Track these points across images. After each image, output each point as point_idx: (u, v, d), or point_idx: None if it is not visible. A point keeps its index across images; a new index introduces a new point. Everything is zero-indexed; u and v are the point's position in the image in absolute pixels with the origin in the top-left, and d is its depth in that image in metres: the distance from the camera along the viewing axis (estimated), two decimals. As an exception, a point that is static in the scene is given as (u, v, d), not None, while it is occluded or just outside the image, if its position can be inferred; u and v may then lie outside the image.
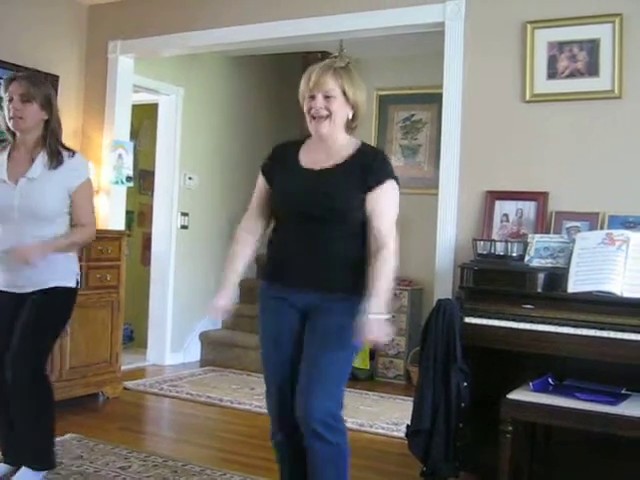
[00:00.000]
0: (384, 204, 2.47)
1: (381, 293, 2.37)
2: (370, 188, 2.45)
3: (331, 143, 2.52)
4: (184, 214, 6.26)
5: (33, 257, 2.95)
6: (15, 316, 3.09)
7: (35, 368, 3.07)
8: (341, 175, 2.47)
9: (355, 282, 2.44)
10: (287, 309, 2.52)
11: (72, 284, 3.18)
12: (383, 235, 2.43)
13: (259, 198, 2.66)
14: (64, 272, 3.15)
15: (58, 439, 3.72)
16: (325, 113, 2.46)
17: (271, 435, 2.63)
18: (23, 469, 3.10)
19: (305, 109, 2.51)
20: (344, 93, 2.47)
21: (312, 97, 2.48)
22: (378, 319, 2.31)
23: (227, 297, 2.63)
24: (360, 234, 2.48)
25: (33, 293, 3.08)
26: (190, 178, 6.28)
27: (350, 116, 2.52)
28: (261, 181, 2.65)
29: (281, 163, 2.59)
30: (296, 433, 2.46)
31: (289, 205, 2.53)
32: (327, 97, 2.46)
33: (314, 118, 2.48)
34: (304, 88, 2.50)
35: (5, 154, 3.18)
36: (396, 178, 2.52)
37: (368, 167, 2.47)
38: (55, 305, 3.13)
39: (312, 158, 2.53)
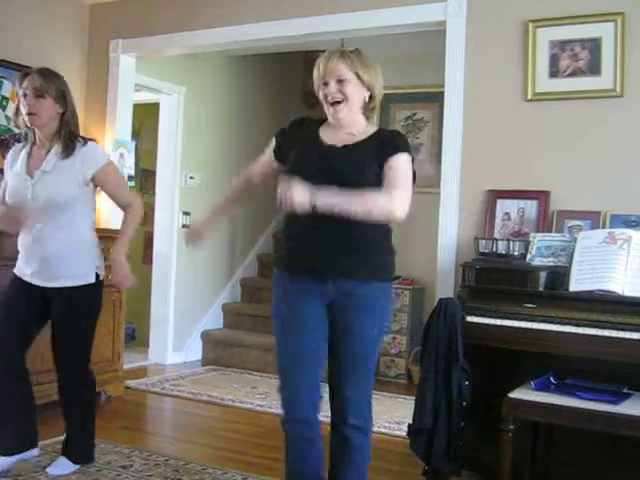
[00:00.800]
0: (398, 173, 2.43)
1: None
2: (386, 158, 2.43)
3: (350, 128, 2.51)
4: (185, 213, 6.26)
5: (128, 278, 3.28)
6: (31, 309, 3.23)
7: (80, 367, 3.34)
8: (360, 151, 2.45)
9: (379, 266, 2.49)
10: (311, 298, 2.49)
11: (92, 279, 3.25)
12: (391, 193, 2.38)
13: (260, 165, 2.74)
14: (85, 269, 3.24)
15: (59, 438, 3.73)
16: (340, 97, 2.45)
17: (284, 422, 2.57)
18: (62, 459, 3.35)
19: (321, 97, 2.50)
20: (358, 76, 2.46)
21: (325, 84, 2.47)
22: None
23: (205, 225, 2.79)
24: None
25: (57, 290, 3.18)
26: (191, 177, 6.28)
27: (367, 98, 2.51)
28: (269, 151, 2.67)
29: (302, 134, 2.57)
30: (309, 421, 2.52)
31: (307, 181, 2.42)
32: (340, 81, 2.44)
33: (331, 105, 2.47)
34: (317, 76, 2.49)
35: (25, 150, 3.27)
36: (411, 152, 2.50)
37: (386, 141, 2.48)
38: (83, 302, 3.25)
39: (334, 137, 2.51)
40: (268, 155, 2.68)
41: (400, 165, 2.45)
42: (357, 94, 2.47)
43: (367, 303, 2.47)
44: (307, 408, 2.52)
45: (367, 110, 2.55)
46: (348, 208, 2.30)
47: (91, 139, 3.37)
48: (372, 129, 2.55)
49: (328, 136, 2.53)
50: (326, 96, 2.47)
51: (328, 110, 2.50)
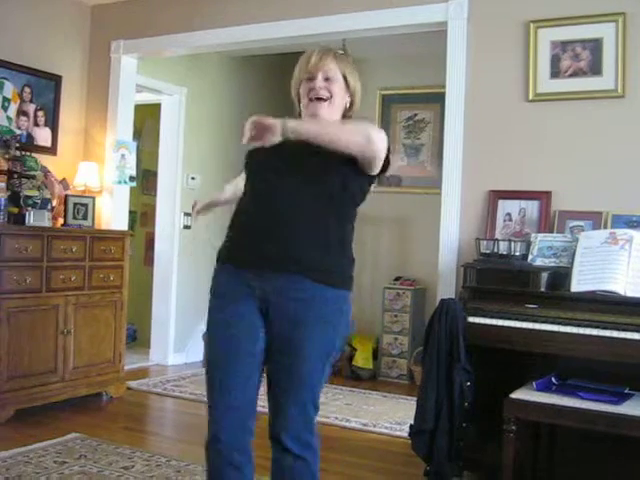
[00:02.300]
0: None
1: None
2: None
3: None
4: (187, 214, 6.26)
5: None
6: None
7: None
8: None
9: (333, 267, 2.17)
10: (244, 295, 2.18)
11: None
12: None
13: (241, 179, 2.43)
14: None
15: (60, 439, 3.75)
16: (326, 94, 2.28)
17: (210, 440, 2.25)
18: None
19: (302, 91, 2.32)
20: (345, 79, 2.32)
21: (311, 79, 2.30)
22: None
23: (214, 199, 2.66)
24: (345, 210, 2.23)
25: None
26: (193, 178, 6.28)
27: (347, 104, 2.36)
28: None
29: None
30: (238, 440, 2.22)
31: (258, 165, 2.26)
32: (327, 79, 2.29)
33: (314, 100, 2.29)
34: (302, 70, 2.33)
35: None
36: (388, 144, 2.22)
37: None
38: None
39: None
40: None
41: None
42: (341, 97, 2.32)
43: (318, 315, 2.13)
44: (240, 422, 2.22)
45: (345, 117, 2.37)
46: (324, 134, 2.09)
47: None
48: None
49: None
50: (310, 90, 2.29)
51: (307, 106, 2.30)
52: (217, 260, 2.31)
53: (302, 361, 2.13)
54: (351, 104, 2.37)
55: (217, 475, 2.23)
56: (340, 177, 2.17)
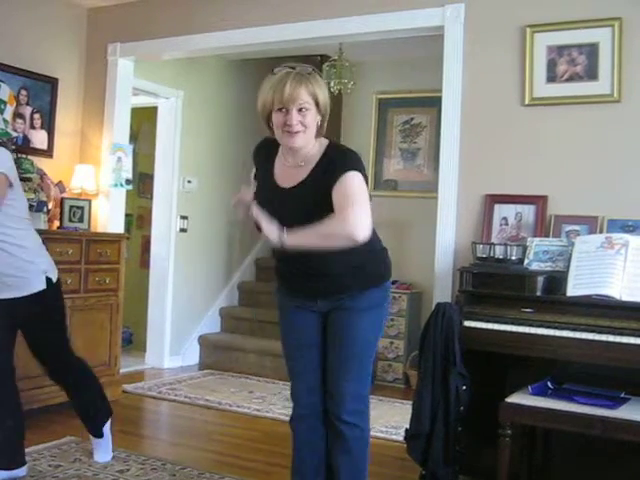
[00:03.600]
0: (345, 195, 2.33)
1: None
2: (331, 185, 2.36)
3: (302, 153, 2.47)
4: (183, 217, 6.26)
5: None
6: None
7: (62, 353, 3.45)
8: (308, 192, 2.43)
9: (370, 276, 2.58)
10: (307, 313, 2.64)
11: (42, 286, 3.23)
12: (346, 216, 2.29)
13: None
14: (34, 279, 3.23)
15: (55, 442, 3.74)
16: (302, 128, 2.39)
17: (292, 418, 2.75)
18: (96, 441, 3.57)
19: (275, 122, 2.41)
20: (316, 102, 2.41)
21: (284, 110, 2.37)
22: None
23: (249, 194, 2.58)
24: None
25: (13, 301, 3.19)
26: (189, 181, 6.28)
27: (319, 122, 2.46)
28: (252, 175, 2.70)
29: (261, 169, 2.62)
30: (313, 407, 2.68)
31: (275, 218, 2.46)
32: (300, 110, 2.37)
33: (288, 132, 2.40)
34: (273, 99, 2.38)
35: None
36: (360, 170, 2.41)
37: (330, 168, 2.41)
38: (42, 306, 3.27)
39: (285, 173, 2.51)
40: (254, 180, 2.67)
41: (347, 186, 2.34)
42: (314, 122, 2.42)
43: (360, 306, 2.56)
44: (310, 397, 2.67)
45: (318, 133, 2.48)
46: (312, 245, 2.34)
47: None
48: (319, 151, 2.48)
49: (280, 171, 2.54)
50: (284, 124, 2.38)
51: (282, 137, 2.43)
52: (278, 291, 2.76)
53: (355, 339, 2.56)
54: (322, 121, 2.48)
55: (301, 438, 2.72)
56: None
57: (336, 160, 2.43)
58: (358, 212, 2.28)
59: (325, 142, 2.52)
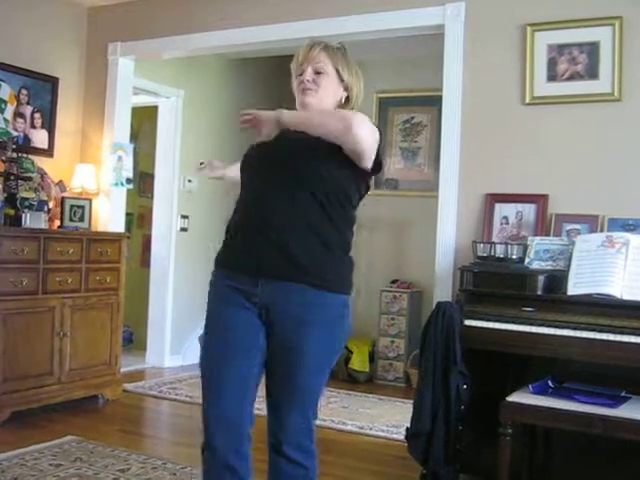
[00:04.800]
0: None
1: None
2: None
3: None
4: (184, 217, 6.26)
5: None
6: None
7: None
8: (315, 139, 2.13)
9: (333, 274, 2.14)
10: (242, 303, 2.14)
11: None
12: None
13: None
14: None
15: (56, 441, 3.74)
16: (314, 87, 2.23)
17: (205, 445, 2.19)
18: None
19: (295, 87, 2.28)
20: (337, 72, 2.25)
21: (301, 73, 2.25)
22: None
23: (225, 168, 2.50)
24: (341, 213, 2.17)
25: None
26: (190, 181, 6.28)
27: (343, 99, 2.29)
28: None
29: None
30: (239, 448, 2.18)
31: (250, 166, 2.25)
32: (318, 73, 2.23)
33: (302, 90, 2.24)
34: (295, 65, 2.28)
35: None
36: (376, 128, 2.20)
37: None
38: None
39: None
40: None
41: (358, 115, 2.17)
42: (332, 89, 2.25)
43: (320, 320, 2.12)
44: (238, 429, 2.18)
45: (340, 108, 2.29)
46: (310, 122, 2.11)
47: None
48: None
49: None
50: (299, 84, 2.25)
51: (298, 99, 2.26)
52: (215, 264, 2.28)
53: (303, 367, 2.11)
54: (347, 99, 2.30)
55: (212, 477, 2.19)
56: (333, 178, 2.13)
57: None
58: (361, 116, 2.10)
59: None
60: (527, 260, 3.37)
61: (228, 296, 2.17)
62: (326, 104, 2.25)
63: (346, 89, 2.28)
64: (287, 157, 2.15)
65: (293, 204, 2.10)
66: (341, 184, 2.15)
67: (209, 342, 2.21)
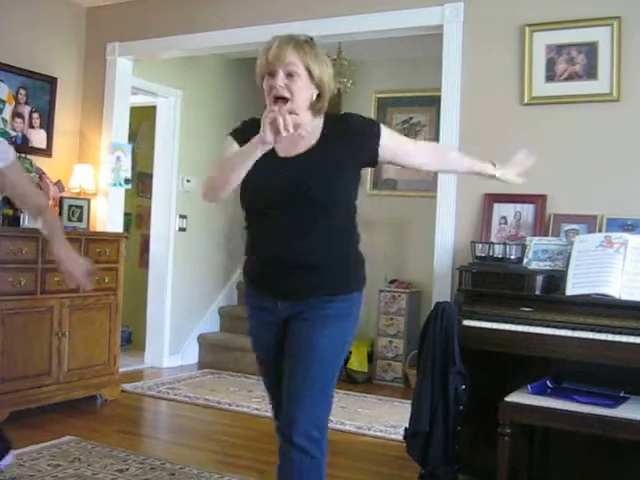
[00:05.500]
0: (398, 139, 2.42)
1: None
2: (375, 145, 2.27)
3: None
4: (182, 217, 6.25)
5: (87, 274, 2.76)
6: None
7: None
8: (319, 158, 2.20)
9: (349, 280, 2.32)
10: (270, 320, 2.33)
11: None
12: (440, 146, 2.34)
13: None
14: None
15: (54, 442, 3.73)
16: (287, 94, 2.15)
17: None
18: None
19: (265, 88, 2.21)
20: (309, 71, 2.17)
21: (272, 74, 2.17)
22: None
23: None
24: (347, 227, 2.32)
25: None
26: (188, 181, 6.28)
27: (314, 97, 2.22)
28: (230, 145, 2.43)
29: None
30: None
31: (263, 198, 2.23)
32: (289, 75, 2.16)
33: (274, 101, 2.16)
34: (262, 64, 2.20)
35: None
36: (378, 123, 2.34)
37: (356, 131, 2.26)
38: None
39: (280, 146, 2.18)
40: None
41: (393, 133, 2.41)
42: (305, 93, 2.18)
43: (326, 317, 2.25)
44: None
45: (314, 110, 2.24)
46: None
47: None
48: (319, 123, 2.28)
49: (279, 144, 2.15)
50: (271, 88, 2.17)
51: (270, 106, 2.16)
52: (244, 277, 2.42)
53: (316, 358, 2.22)
54: (319, 96, 2.24)
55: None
56: (344, 198, 2.26)
57: (350, 120, 2.31)
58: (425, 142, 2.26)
59: (321, 117, 2.30)
60: (526, 260, 3.38)
61: (260, 316, 2.38)
62: (302, 109, 2.19)
63: (318, 86, 2.22)
64: (301, 190, 2.18)
65: (310, 234, 2.21)
66: (350, 196, 2.30)
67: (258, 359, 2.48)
